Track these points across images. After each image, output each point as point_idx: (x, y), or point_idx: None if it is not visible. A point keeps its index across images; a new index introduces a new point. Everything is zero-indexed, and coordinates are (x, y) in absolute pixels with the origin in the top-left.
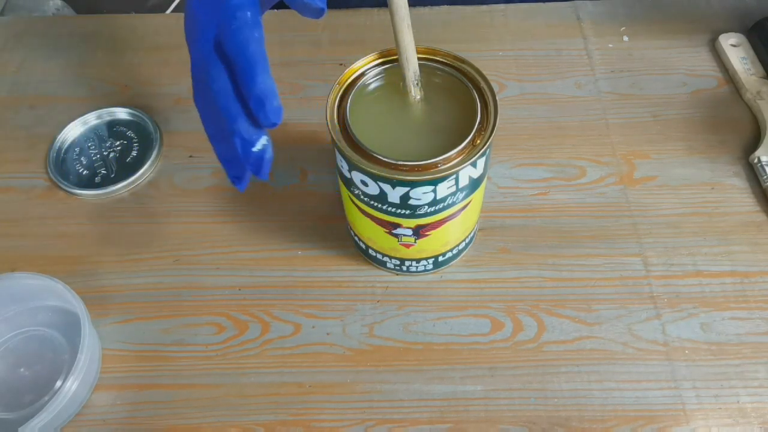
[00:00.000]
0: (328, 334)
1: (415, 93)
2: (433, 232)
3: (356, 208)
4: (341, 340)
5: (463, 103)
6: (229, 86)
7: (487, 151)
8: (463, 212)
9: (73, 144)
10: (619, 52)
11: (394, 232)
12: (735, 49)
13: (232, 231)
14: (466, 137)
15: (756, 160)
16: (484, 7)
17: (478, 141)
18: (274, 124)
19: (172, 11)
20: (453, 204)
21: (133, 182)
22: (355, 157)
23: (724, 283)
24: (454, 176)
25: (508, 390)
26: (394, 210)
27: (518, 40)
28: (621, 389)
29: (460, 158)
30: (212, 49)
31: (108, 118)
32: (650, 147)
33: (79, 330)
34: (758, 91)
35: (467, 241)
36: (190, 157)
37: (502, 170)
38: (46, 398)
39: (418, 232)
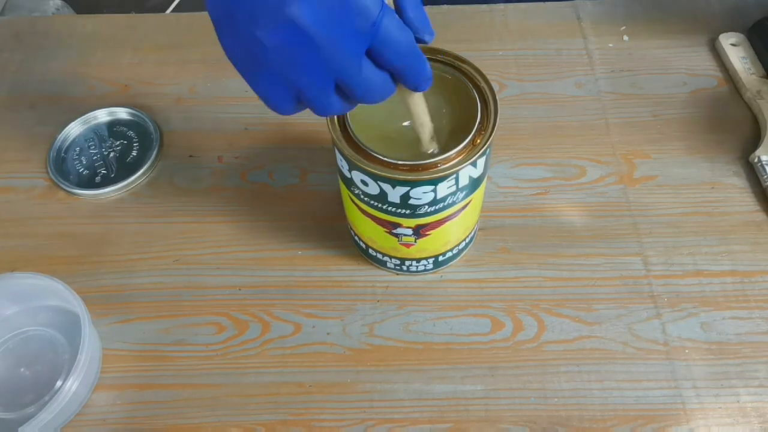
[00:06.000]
0: (328, 333)
1: (431, 147)
2: (433, 231)
3: (356, 208)
4: (341, 339)
5: (463, 103)
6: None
7: (487, 151)
8: (463, 212)
9: (73, 144)
10: (619, 52)
11: (394, 231)
12: (735, 49)
13: (232, 231)
14: (466, 137)
15: (756, 160)
16: (484, 7)
17: (478, 141)
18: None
19: (172, 11)
20: (453, 204)
21: (133, 182)
22: (356, 157)
23: (724, 283)
24: (454, 176)
25: (508, 390)
26: (394, 210)
27: (518, 40)
28: (621, 389)
29: (460, 158)
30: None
31: (108, 118)
32: (650, 147)
33: (80, 330)
34: (758, 90)
35: (467, 240)
36: (190, 157)
37: (502, 170)
38: (47, 398)
39: (419, 231)
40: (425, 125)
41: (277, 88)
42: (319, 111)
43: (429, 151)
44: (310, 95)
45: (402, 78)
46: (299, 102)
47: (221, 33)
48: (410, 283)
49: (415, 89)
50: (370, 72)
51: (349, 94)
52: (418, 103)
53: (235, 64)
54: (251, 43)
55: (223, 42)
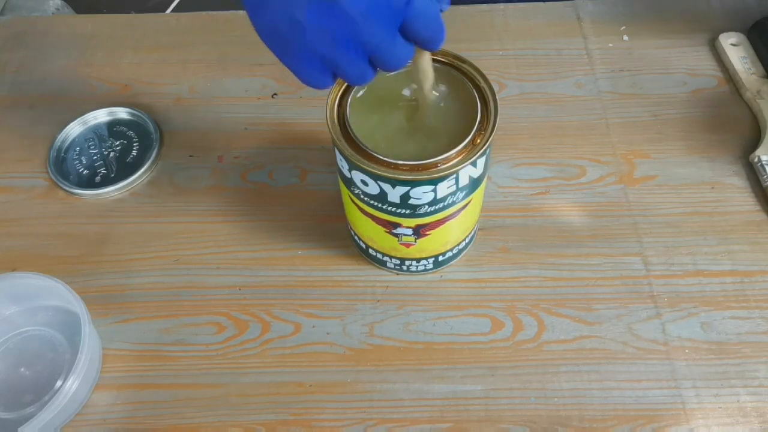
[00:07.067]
0: (328, 333)
1: (432, 96)
2: (433, 231)
3: (356, 208)
4: (341, 339)
5: (463, 103)
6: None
7: (487, 151)
8: (463, 212)
9: (73, 144)
10: (619, 52)
11: (394, 231)
12: (735, 49)
13: (232, 231)
14: (466, 137)
15: (756, 160)
16: (484, 7)
17: (478, 141)
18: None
19: (172, 11)
20: (453, 203)
21: (133, 182)
22: (356, 157)
23: (724, 283)
24: (454, 176)
25: (508, 389)
26: (394, 209)
27: (518, 40)
28: (621, 389)
29: (460, 158)
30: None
31: (108, 118)
32: (650, 146)
33: (80, 330)
34: (758, 90)
35: (467, 240)
36: (190, 156)
37: (502, 170)
38: (47, 398)
39: (419, 231)
40: (429, 78)
41: (314, 65)
42: (355, 82)
43: (431, 99)
44: (347, 70)
45: (424, 45)
46: (334, 75)
47: (255, 12)
48: (410, 283)
49: (430, 50)
50: (402, 45)
51: (379, 65)
52: (427, 58)
53: (269, 43)
54: (288, 22)
55: (256, 21)
